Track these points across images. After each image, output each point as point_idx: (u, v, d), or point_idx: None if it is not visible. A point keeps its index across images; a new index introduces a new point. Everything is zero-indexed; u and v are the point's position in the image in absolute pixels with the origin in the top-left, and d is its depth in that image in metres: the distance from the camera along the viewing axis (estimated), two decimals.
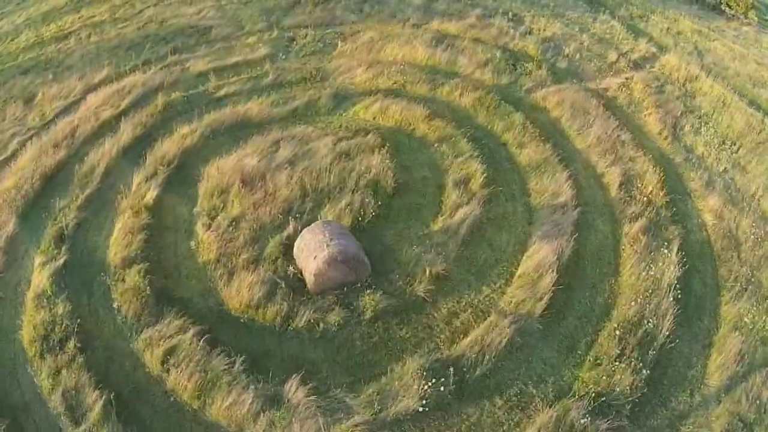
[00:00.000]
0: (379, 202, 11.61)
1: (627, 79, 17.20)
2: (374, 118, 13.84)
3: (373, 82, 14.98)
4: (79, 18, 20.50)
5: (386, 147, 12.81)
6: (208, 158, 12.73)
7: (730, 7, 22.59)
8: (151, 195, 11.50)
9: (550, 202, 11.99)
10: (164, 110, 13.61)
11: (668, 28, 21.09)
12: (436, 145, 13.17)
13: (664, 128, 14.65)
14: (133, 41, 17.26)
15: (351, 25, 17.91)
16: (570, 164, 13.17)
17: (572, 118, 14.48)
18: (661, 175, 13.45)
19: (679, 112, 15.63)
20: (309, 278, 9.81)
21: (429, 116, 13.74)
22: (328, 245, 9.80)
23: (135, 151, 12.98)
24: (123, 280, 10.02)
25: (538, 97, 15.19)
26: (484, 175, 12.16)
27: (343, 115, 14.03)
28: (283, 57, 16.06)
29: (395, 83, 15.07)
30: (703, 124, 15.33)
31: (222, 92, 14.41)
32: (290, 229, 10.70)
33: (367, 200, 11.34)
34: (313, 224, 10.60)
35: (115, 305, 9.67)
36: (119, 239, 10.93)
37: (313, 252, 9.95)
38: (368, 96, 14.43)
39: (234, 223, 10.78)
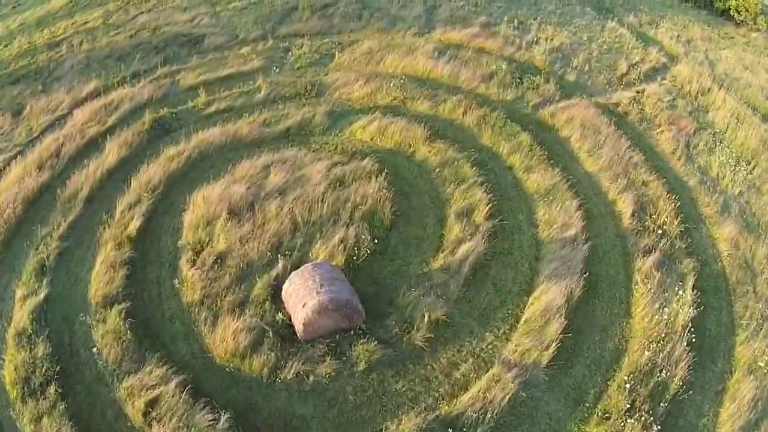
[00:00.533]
0: (375, 237, 10.29)
1: (638, 92, 15.49)
2: (372, 139, 12.36)
3: (372, 97, 13.44)
4: (73, 24, 19.03)
5: (384, 173, 11.39)
6: (194, 184, 11.42)
7: (739, 13, 20.89)
8: (134, 225, 10.36)
9: (559, 235, 10.64)
10: (151, 129, 12.43)
11: (678, 36, 19.36)
12: (437, 170, 11.73)
13: (677, 147, 13.37)
14: (124, 50, 15.87)
15: (349, 34, 16.19)
16: (580, 191, 11.86)
17: (582, 138, 13.00)
18: (675, 201, 12.15)
19: (693, 130, 14.20)
20: (298, 326, 8.79)
21: (430, 137, 12.35)
22: (318, 292, 8.58)
23: (120, 174, 11.84)
24: (104, 320, 9.04)
25: (546, 115, 13.72)
26: (489, 205, 10.77)
27: (339, 135, 12.57)
28: (277, 70, 14.50)
29: (395, 99, 13.52)
30: (716, 142, 13.99)
31: (212, 108, 13.08)
32: (279, 268, 9.52)
33: (362, 236, 9.98)
34: (302, 267, 9.31)
35: (95, 348, 8.77)
36: (100, 274, 9.83)
37: (302, 299, 8.74)
38: (366, 114, 12.97)
39: (220, 260, 9.65)
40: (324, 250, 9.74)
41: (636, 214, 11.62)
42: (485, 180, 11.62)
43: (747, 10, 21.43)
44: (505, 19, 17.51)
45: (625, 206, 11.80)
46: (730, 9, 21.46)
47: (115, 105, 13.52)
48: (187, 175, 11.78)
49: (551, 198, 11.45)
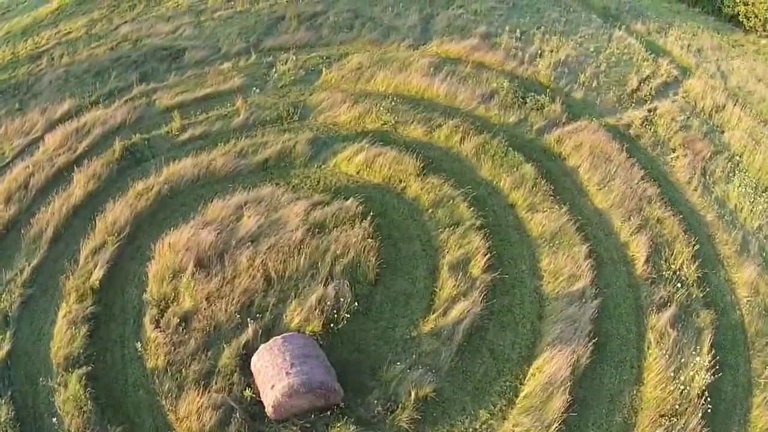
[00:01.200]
0: (358, 294, 8.42)
1: (650, 111, 13.24)
2: (358, 173, 10.32)
3: (360, 122, 11.34)
4: (57, 33, 16.68)
5: (369, 216, 9.35)
6: (163, 225, 9.57)
7: (748, 19, 18.49)
8: (97, 274, 8.76)
9: (565, 289, 8.74)
10: (121, 158, 10.65)
11: (688, 45, 16.72)
12: (430, 210, 9.68)
13: (693, 176, 11.45)
14: (103, 65, 13.88)
15: (338, 47, 13.84)
16: (590, 232, 9.87)
17: (592, 168, 10.86)
18: (692, 241, 10.13)
19: (708, 154, 12.16)
20: (268, 407, 7.28)
21: (423, 170, 10.26)
22: (288, 373, 6.91)
23: (87, 211, 10.02)
24: (65, 385, 7.66)
25: (551, 140, 11.61)
26: (487, 255, 8.84)
27: (322, 167, 10.48)
28: (257, 91, 12.29)
29: (385, 124, 11.35)
30: (734, 167, 12.04)
31: (186, 135, 11.15)
32: (249, 333, 7.87)
33: (343, 295, 8.16)
34: (271, 341, 7.59)
35: (55, 418, 7.40)
36: (62, 330, 8.32)
37: (270, 379, 7.07)
38: (353, 141, 10.82)
39: (185, 321, 8.07)
40: (299, 313, 7.99)
41: (650, 260, 9.67)
42: (484, 222, 9.64)
43: (756, 17, 18.93)
44: (507, 28, 14.99)
45: (638, 250, 9.82)
46: (739, 15, 19.04)
47: (87, 129, 11.72)
48: (155, 214, 9.91)
49: (557, 243, 9.44)
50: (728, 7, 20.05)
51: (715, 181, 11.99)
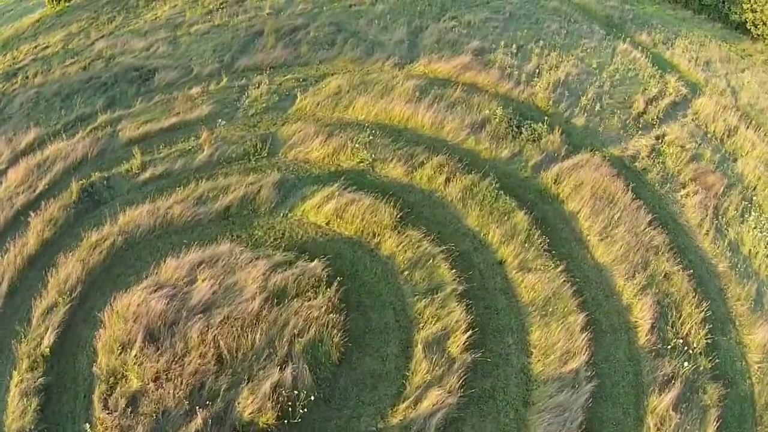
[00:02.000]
0: (320, 378, 6.68)
1: (658, 138, 11.01)
2: (328, 224, 8.36)
3: (333, 159, 9.27)
4: (35, 48, 14.78)
5: (337, 282, 7.43)
6: (116, 283, 7.90)
7: (755, 26, 16.16)
8: (48, 340, 7.26)
9: (557, 369, 6.89)
10: (79, 201, 8.91)
11: (696, 58, 14.30)
12: (406, 272, 7.74)
13: (704, 217, 9.46)
14: (73, 87, 12.10)
15: (317, 67, 11.69)
16: (588, 295, 7.97)
17: (593, 214, 8.77)
18: (702, 301, 8.21)
19: (721, 188, 10.07)
20: None
21: (401, 221, 8.26)
22: None
23: (43, 261, 8.31)
24: None
25: (548, 179, 9.47)
26: (468, 331, 6.97)
27: (288, 217, 8.54)
28: (223, 122, 10.21)
29: (361, 162, 9.29)
30: (748, 204, 10.05)
31: (147, 174, 9.32)
32: (198, 422, 6.25)
33: (301, 383, 6.39)
34: None
35: None
36: (14, 401, 6.83)
37: None
38: (324, 184, 8.79)
39: (133, 402, 6.52)
40: (252, 401, 6.31)
41: (655, 327, 7.70)
42: (467, 286, 7.65)
43: (765, 24, 16.33)
44: (502, 43, 12.67)
45: (642, 314, 7.85)
46: (747, 22, 16.62)
47: (49, 164, 10.00)
48: (109, 270, 8.15)
49: (551, 311, 7.53)
50: (735, 14, 17.41)
51: (728, 222, 9.78)
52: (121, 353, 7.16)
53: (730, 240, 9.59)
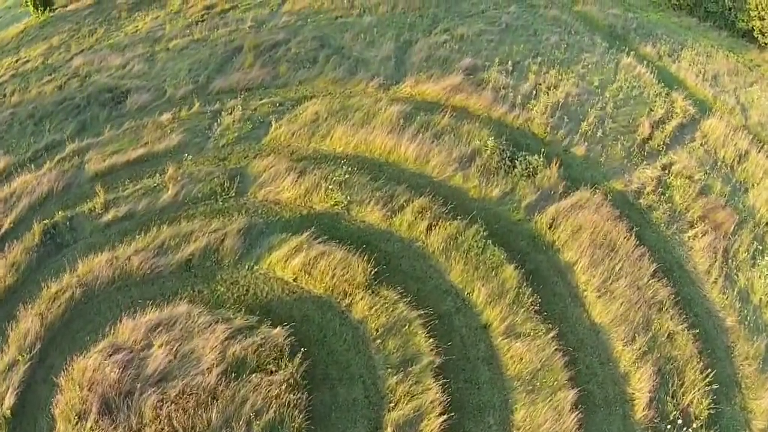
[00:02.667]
0: None
1: (664, 168, 9.29)
2: (295, 279, 6.92)
3: (306, 201, 7.77)
4: (16, 62, 13.41)
5: (300, 353, 6.07)
6: (74, 341, 6.69)
7: (763, 34, 14.16)
8: (9, 401, 6.19)
9: None
10: (42, 243, 7.66)
11: (704, 71, 12.48)
12: (379, 341, 6.30)
13: (713, 263, 7.95)
14: (46, 110, 10.73)
15: (296, 88, 10.03)
16: (581, 363, 6.53)
17: (592, 266, 7.23)
18: (707, 365, 6.79)
19: (731, 226, 8.51)
20: None
21: (376, 279, 6.78)
22: None
23: (4, 311, 7.11)
24: None
25: (543, 223, 7.89)
26: (444, 416, 5.63)
27: (253, 270, 7.12)
28: (189, 157, 8.65)
29: (336, 204, 7.74)
30: (759, 243, 8.50)
31: (110, 215, 7.97)
32: None
33: None
34: None
35: None
36: None
37: None
38: (293, 232, 7.30)
39: None
40: None
41: (654, 399, 6.30)
42: (446, 357, 6.21)
43: None
44: (497, 60, 10.82)
45: (641, 385, 6.44)
46: (754, 30, 14.60)
47: (16, 198, 8.73)
48: (68, 326, 6.91)
49: (538, 385, 6.13)
50: (742, 21, 15.25)
51: (738, 266, 8.20)
52: (77, 423, 5.97)
53: (740, 288, 7.99)
